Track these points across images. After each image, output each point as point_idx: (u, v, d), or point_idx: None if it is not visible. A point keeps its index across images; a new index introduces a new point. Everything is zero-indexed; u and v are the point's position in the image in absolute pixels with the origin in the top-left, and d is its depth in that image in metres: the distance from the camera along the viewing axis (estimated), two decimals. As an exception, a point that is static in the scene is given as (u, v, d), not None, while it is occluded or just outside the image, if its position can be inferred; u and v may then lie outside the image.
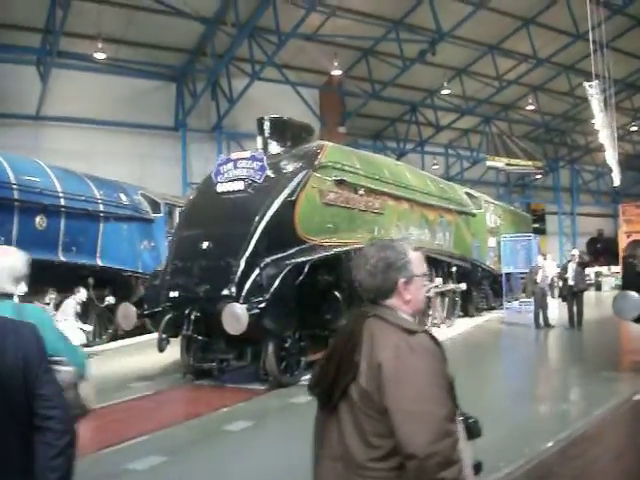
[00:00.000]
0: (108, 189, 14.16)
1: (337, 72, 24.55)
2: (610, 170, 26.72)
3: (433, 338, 1.96)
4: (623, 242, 28.21)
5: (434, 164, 33.85)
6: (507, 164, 33.53)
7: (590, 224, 42.58)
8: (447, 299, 14.92)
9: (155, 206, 15.71)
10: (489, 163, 33.14)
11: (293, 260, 8.01)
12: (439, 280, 13.82)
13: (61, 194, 12.42)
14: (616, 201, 40.31)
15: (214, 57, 22.76)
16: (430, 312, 13.72)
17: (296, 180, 8.61)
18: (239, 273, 7.73)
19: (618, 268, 30.46)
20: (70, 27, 19.50)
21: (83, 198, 13.02)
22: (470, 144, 35.42)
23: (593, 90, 17.11)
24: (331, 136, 26.93)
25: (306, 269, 8.01)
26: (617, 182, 24.79)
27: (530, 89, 31.70)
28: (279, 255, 8.01)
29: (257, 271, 7.69)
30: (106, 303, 13.51)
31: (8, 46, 19.92)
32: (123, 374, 9.72)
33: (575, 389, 8.12)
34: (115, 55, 22.20)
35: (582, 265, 14.19)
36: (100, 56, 20.63)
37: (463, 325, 15.26)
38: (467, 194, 17.06)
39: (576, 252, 14.57)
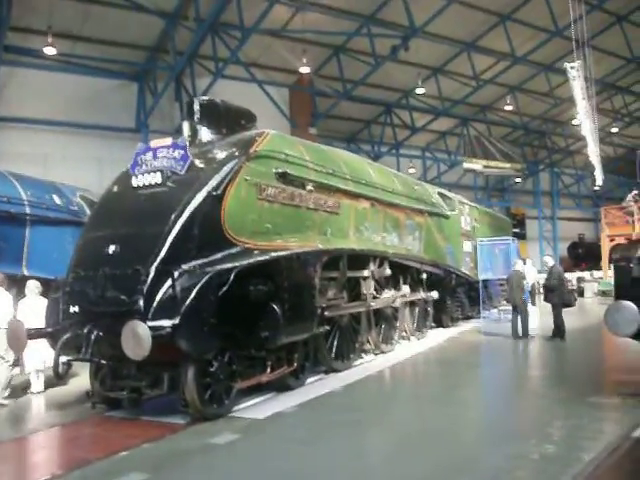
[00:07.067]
0: (38, 190, 12.58)
1: (306, 69, 23.39)
2: (591, 172, 25.73)
3: None
4: (606, 246, 27.29)
5: (410, 167, 32.86)
6: (485, 166, 32.70)
7: (571, 228, 41.94)
8: (417, 309, 13.55)
9: (98, 209, 14.21)
10: (466, 165, 32.24)
11: (216, 267, 6.57)
12: (407, 288, 12.44)
13: (-23, 195, 10.95)
14: (597, 205, 39.55)
15: (175, 54, 21.49)
16: (397, 324, 12.34)
17: (224, 171, 7.13)
18: (148, 283, 6.27)
19: (601, 273, 29.49)
20: (20, 22, 18.28)
21: (5, 199, 11.48)
22: (447, 147, 34.59)
23: (575, 72, 15.75)
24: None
25: (232, 277, 6.56)
26: (600, 181, 23.70)
27: (508, 89, 30.88)
28: (200, 261, 6.56)
29: (170, 281, 6.24)
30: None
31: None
32: (30, 403, 8.31)
33: (557, 422, 6.51)
34: (71, 51, 21.11)
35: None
36: (50, 51, 19.57)
37: (436, 337, 13.90)
38: (440, 194, 15.74)
39: (549, 259, 13.42)
